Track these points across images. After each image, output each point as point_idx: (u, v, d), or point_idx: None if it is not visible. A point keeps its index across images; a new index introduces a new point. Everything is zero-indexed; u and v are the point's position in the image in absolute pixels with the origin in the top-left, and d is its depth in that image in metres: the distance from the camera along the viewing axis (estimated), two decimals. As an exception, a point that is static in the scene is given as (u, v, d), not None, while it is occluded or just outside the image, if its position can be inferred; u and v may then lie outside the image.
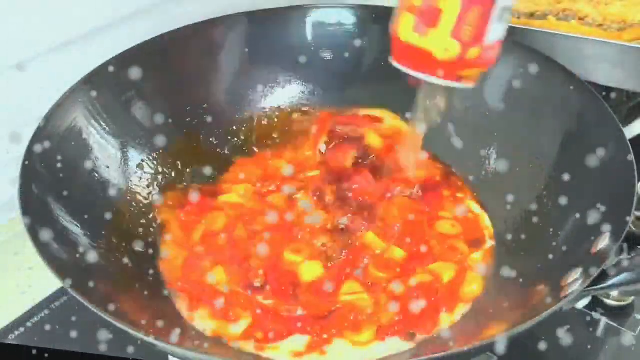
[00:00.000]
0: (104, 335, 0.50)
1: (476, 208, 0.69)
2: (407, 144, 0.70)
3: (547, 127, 0.67)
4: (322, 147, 0.75)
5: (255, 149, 0.76)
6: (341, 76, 0.78)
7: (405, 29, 0.55)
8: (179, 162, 0.71)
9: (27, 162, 0.56)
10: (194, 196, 0.68)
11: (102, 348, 0.51)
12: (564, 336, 0.58)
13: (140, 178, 0.68)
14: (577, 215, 0.57)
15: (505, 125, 0.70)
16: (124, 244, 0.61)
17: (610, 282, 0.50)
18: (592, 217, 0.53)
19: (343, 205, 0.68)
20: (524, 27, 0.74)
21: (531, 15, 0.77)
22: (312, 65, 0.78)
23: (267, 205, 0.68)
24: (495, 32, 0.55)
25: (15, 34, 0.66)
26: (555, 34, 0.72)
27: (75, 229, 0.56)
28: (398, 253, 0.63)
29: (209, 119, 0.74)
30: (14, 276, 0.67)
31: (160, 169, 0.69)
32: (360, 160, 0.72)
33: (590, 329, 0.63)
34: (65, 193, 0.57)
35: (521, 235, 0.63)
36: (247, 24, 0.77)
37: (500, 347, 0.45)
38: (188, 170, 0.72)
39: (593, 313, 0.63)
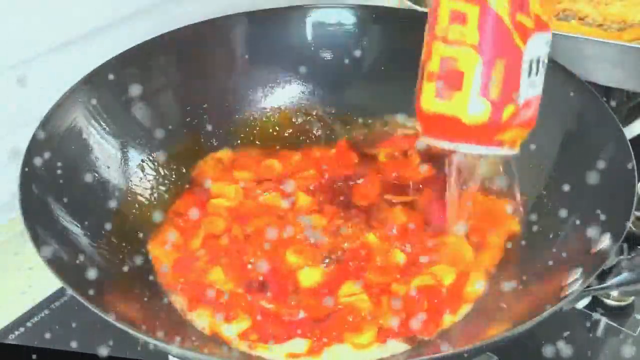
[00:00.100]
0: (104, 335, 0.49)
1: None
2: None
3: (547, 127, 0.66)
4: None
5: (255, 148, 0.76)
6: (341, 76, 0.78)
7: (427, 98, 0.51)
8: (178, 163, 0.71)
9: (27, 162, 0.56)
10: (192, 198, 0.68)
11: (103, 348, 0.51)
12: (564, 336, 0.59)
13: (141, 178, 0.68)
14: (577, 215, 0.57)
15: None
16: (124, 244, 0.61)
17: (610, 282, 0.50)
18: (592, 217, 0.53)
19: (343, 207, 0.67)
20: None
21: (531, 15, 0.76)
22: (312, 65, 0.78)
23: (263, 206, 0.68)
24: (530, 87, 0.50)
25: (15, 34, 0.66)
26: (555, 34, 0.71)
27: (75, 229, 0.56)
28: (399, 256, 0.62)
29: (209, 119, 0.74)
30: (14, 276, 0.67)
31: (160, 170, 0.69)
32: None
33: (590, 329, 0.63)
34: (65, 193, 0.57)
35: (521, 235, 0.63)
36: (247, 24, 0.77)
37: (501, 347, 0.45)
38: (188, 170, 0.72)
39: (593, 313, 0.63)
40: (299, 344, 0.56)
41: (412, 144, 0.73)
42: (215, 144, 0.74)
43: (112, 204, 0.63)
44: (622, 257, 0.50)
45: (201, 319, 0.58)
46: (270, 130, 0.78)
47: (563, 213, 0.59)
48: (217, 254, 0.62)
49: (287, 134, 0.77)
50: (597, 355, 0.60)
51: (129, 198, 0.66)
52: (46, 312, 0.64)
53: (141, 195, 0.67)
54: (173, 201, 0.69)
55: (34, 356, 0.54)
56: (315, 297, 0.59)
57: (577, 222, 0.57)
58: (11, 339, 0.62)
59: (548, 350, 0.55)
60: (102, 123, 0.65)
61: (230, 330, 0.56)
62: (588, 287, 0.48)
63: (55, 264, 0.49)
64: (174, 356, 0.52)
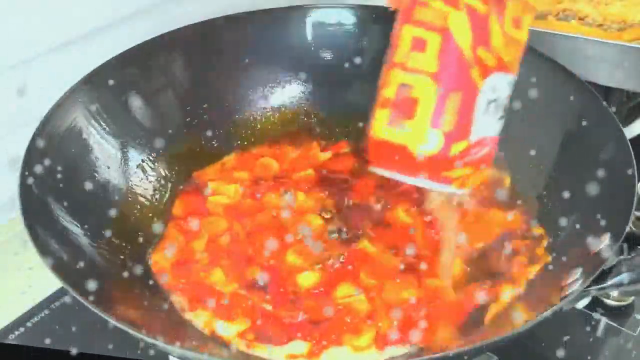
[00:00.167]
0: (104, 335, 0.49)
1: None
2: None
3: (547, 127, 0.67)
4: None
5: (254, 148, 0.76)
6: (341, 76, 0.78)
7: (379, 125, 0.50)
8: (179, 163, 0.71)
9: (27, 162, 0.56)
10: (192, 198, 0.68)
11: (103, 348, 0.51)
12: (564, 336, 0.59)
13: (141, 178, 0.68)
14: (577, 215, 0.57)
15: (505, 125, 0.69)
16: (124, 244, 0.61)
17: (610, 282, 0.50)
18: (592, 218, 0.53)
19: (341, 207, 0.67)
20: (524, 27, 0.74)
21: (531, 15, 0.76)
22: (312, 65, 0.78)
23: (262, 206, 0.68)
24: (484, 125, 0.49)
25: (15, 34, 0.66)
26: (555, 34, 0.72)
27: (75, 229, 0.56)
28: (395, 262, 0.62)
29: (209, 119, 0.74)
30: (14, 276, 0.67)
31: (160, 170, 0.69)
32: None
33: (590, 329, 0.63)
34: (65, 193, 0.57)
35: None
36: (247, 24, 0.77)
37: (501, 347, 0.45)
38: (188, 170, 0.72)
39: (593, 313, 0.63)
40: (299, 347, 0.56)
41: None
42: (215, 144, 0.74)
43: (112, 203, 0.63)
44: (622, 257, 0.50)
45: (201, 319, 0.58)
46: (270, 130, 0.78)
47: (563, 213, 0.59)
48: (218, 255, 0.62)
49: (286, 134, 0.77)
50: (597, 355, 0.60)
51: (129, 198, 0.66)
52: (46, 312, 0.64)
53: (141, 196, 0.67)
54: (173, 201, 0.69)
55: (34, 356, 0.54)
56: (313, 299, 0.59)
57: (577, 222, 0.57)
58: (11, 339, 0.62)
59: (548, 350, 0.55)
60: (102, 123, 0.65)
61: (229, 331, 0.56)
62: (588, 287, 0.48)
63: (55, 264, 0.49)
64: (174, 356, 0.52)
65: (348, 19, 0.79)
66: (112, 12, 0.74)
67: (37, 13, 0.67)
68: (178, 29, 0.73)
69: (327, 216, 0.66)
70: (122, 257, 0.59)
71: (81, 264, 0.53)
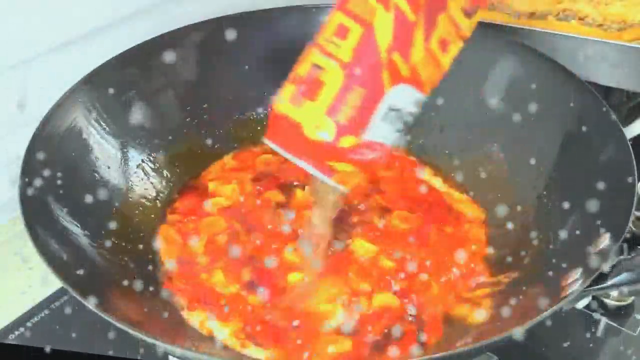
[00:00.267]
0: (104, 335, 0.49)
1: (475, 210, 0.69)
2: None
3: (547, 127, 0.67)
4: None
5: (254, 148, 0.76)
6: (341, 76, 0.78)
7: (282, 99, 0.51)
8: (179, 163, 0.71)
9: (27, 162, 0.56)
10: (190, 199, 0.68)
11: (102, 348, 0.51)
12: (564, 336, 0.59)
13: (141, 178, 0.68)
14: (577, 215, 0.57)
15: (505, 126, 0.70)
16: (124, 244, 0.61)
17: (610, 282, 0.50)
18: (592, 217, 0.53)
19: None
20: (524, 27, 0.74)
21: (531, 15, 0.77)
22: (312, 65, 0.78)
23: (262, 206, 0.68)
24: (379, 131, 0.49)
25: (15, 34, 0.66)
26: (555, 34, 0.72)
27: (75, 229, 0.56)
28: (386, 264, 0.61)
29: (209, 119, 0.74)
30: (14, 276, 0.67)
31: (160, 170, 0.70)
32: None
33: (590, 329, 0.63)
34: (65, 193, 0.57)
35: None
36: (247, 24, 0.77)
37: (501, 347, 0.45)
38: (188, 170, 0.72)
39: (593, 313, 0.63)
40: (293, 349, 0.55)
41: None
42: (215, 144, 0.74)
43: (112, 203, 0.63)
44: (622, 257, 0.50)
45: (200, 320, 0.58)
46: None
47: (563, 213, 0.59)
48: (218, 256, 0.62)
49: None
50: (597, 355, 0.60)
51: (129, 198, 0.66)
52: (46, 312, 0.64)
53: (141, 196, 0.67)
54: (173, 201, 0.69)
55: (34, 356, 0.54)
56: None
57: (577, 222, 0.57)
58: (11, 339, 0.62)
59: (548, 351, 0.55)
60: (102, 123, 0.65)
61: (224, 332, 0.57)
62: (588, 287, 0.48)
63: (55, 264, 0.49)
64: (174, 357, 0.52)
65: (348, 19, 0.79)
66: (112, 12, 0.74)
67: (37, 13, 0.67)
68: (178, 29, 0.74)
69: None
70: (122, 257, 0.59)
71: (81, 264, 0.53)
